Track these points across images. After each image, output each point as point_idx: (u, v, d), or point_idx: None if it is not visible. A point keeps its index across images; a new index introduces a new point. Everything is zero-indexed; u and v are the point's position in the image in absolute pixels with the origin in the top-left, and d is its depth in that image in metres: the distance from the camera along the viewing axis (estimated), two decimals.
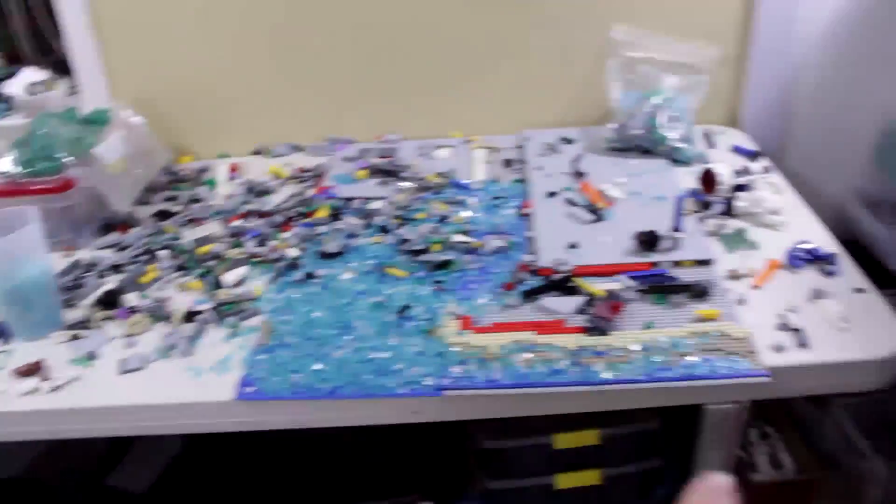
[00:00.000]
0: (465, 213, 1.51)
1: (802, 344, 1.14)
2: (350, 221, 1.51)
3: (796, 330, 1.16)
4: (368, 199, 1.59)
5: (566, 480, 1.47)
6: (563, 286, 1.27)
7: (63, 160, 1.54)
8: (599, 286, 1.26)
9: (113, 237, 1.59)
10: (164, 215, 1.65)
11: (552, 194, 1.55)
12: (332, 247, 1.42)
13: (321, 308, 1.27)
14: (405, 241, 1.42)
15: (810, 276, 1.30)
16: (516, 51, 1.82)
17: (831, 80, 1.86)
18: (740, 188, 1.52)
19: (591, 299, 1.23)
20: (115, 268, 1.48)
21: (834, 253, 1.34)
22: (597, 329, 1.17)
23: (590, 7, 1.78)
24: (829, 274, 1.30)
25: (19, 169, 1.54)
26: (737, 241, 1.39)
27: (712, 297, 1.24)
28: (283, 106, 1.91)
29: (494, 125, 1.89)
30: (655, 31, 1.78)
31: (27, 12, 2.07)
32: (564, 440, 1.43)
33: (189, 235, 1.55)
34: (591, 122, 1.86)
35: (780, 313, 1.21)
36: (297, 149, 1.91)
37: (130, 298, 1.37)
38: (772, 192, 1.52)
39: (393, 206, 1.54)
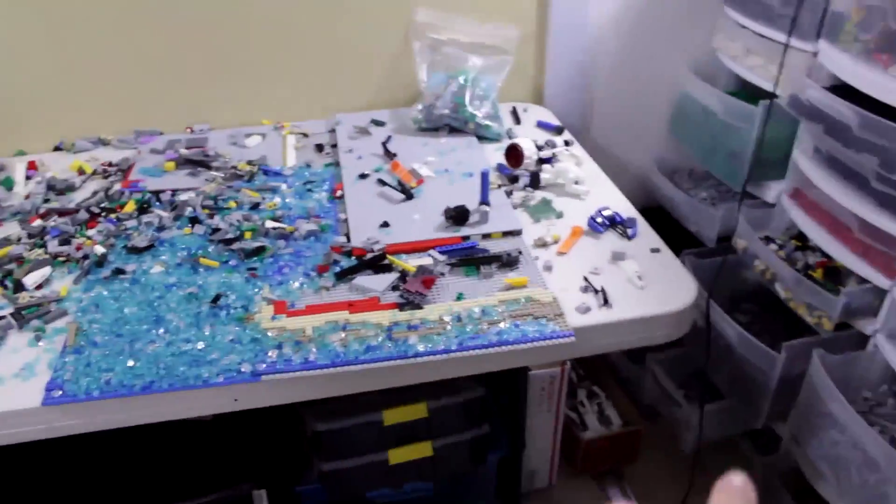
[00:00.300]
0: (277, 200, 1.50)
1: (605, 303, 1.21)
2: (159, 214, 1.47)
3: (598, 291, 1.23)
4: (177, 190, 1.55)
5: (399, 455, 1.49)
6: (376, 265, 1.28)
7: None
8: (411, 262, 1.28)
9: None
10: None
11: (363, 176, 1.56)
12: (140, 241, 1.38)
13: (131, 304, 1.24)
14: (216, 230, 1.40)
15: (611, 240, 1.37)
16: (323, 35, 1.81)
17: (627, 55, 1.96)
18: (545, 161, 1.58)
19: (404, 276, 1.26)
20: None
21: (632, 217, 1.42)
22: (410, 304, 1.19)
23: None
24: (628, 237, 1.38)
25: None
26: (542, 210, 1.45)
27: (521, 265, 1.28)
28: (85, 99, 1.82)
29: (306, 111, 1.88)
30: (458, 13, 1.82)
31: None
32: (393, 416, 1.46)
33: None
34: (402, 104, 1.89)
35: (585, 276, 1.27)
36: (101, 143, 1.83)
37: None
38: (574, 163, 1.58)
39: (203, 196, 1.51)
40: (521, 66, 1.89)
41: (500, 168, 1.58)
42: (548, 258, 1.31)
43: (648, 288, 1.25)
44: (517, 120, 1.84)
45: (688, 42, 1.92)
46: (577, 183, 1.51)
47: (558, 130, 1.77)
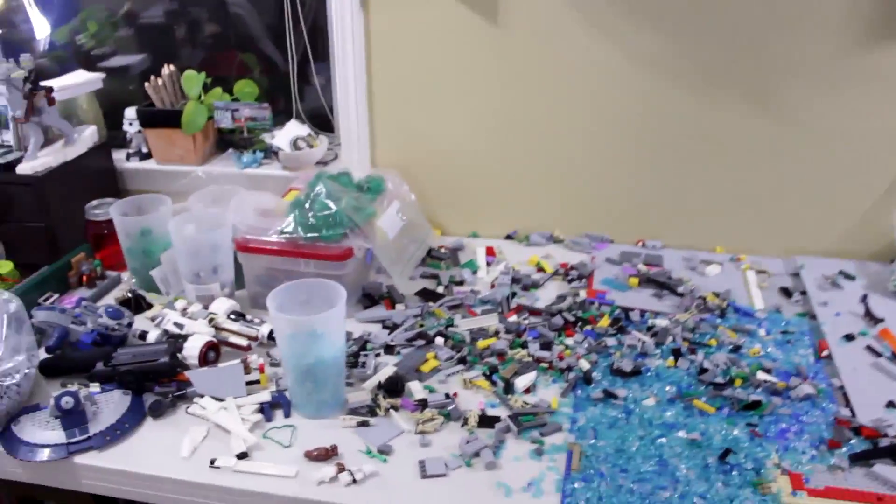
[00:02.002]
0: (758, 347, 1.43)
1: None
2: (639, 338, 1.44)
3: None
4: (646, 311, 1.53)
5: None
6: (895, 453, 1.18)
7: (345, 228, 1.52)
8: None
9: (377, 311, 1.57)
10: (426, 294, 1.63)
11: (849, 338, 1.46)
12: (625, 365, 1.36)
13: (630, 436, 1.21)
14: (703, 370, 1.35)
15: None
16: (795, 170, 1.73)
17: None
18: None
19: None
20: (388, 348, 1.45)
21: None
22: None
23: (889, 139, 1.69)
24: None
25: (299, 231, 1.54)
26: None
27: None
28: (539, 194, 1.87)
29: (762, 245, 1.81)
30: None
31: (297, 66, 2.11)
32: None
33: (462, 324, 1.51)
34: (869, 257, 1.76)
35: None
36: (553, 240, 1.87)
37: (414, 388, 1.33)
38: None
39: (679, 325, 1.48)
40: None
41: None
42: None
43: None
44: None
45: None
46: None
47: None
